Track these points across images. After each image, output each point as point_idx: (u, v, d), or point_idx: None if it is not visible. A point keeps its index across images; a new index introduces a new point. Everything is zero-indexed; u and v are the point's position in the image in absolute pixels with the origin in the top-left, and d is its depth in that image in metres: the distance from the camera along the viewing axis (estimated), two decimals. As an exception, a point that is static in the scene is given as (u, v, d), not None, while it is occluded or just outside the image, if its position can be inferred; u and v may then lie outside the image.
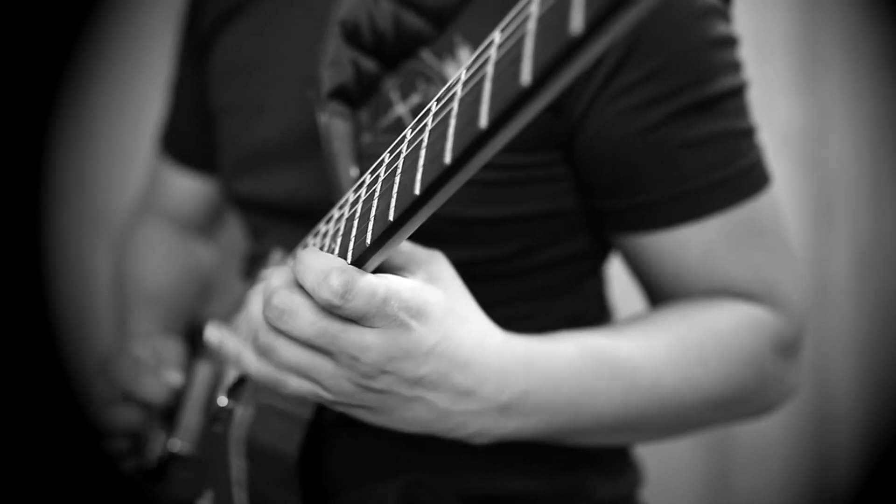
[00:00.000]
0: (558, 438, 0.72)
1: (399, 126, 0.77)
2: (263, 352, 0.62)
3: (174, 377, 0.92)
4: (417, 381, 0.61)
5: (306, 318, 0.59)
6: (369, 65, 0.78)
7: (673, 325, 0.76)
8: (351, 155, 0.76)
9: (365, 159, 0.76)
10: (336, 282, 0.56)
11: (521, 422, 0.67)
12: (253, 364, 0.65)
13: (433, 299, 0.61)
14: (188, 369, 0.97)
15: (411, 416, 0.64)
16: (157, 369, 0.93)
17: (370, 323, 0.58)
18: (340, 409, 0.64)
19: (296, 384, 0.63)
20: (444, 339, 0.61)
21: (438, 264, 0.64)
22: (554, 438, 0.72)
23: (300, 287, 0.60)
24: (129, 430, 0.94)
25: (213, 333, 0.70)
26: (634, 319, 0.79)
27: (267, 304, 0.60)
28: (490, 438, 0.67)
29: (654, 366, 0.72)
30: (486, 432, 0.66)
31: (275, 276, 0.62)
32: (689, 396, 0.74)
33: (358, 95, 0.78)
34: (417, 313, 0.59)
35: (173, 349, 0.97)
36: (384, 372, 0.60)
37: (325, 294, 0.57)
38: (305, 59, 0.83)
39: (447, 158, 0.47)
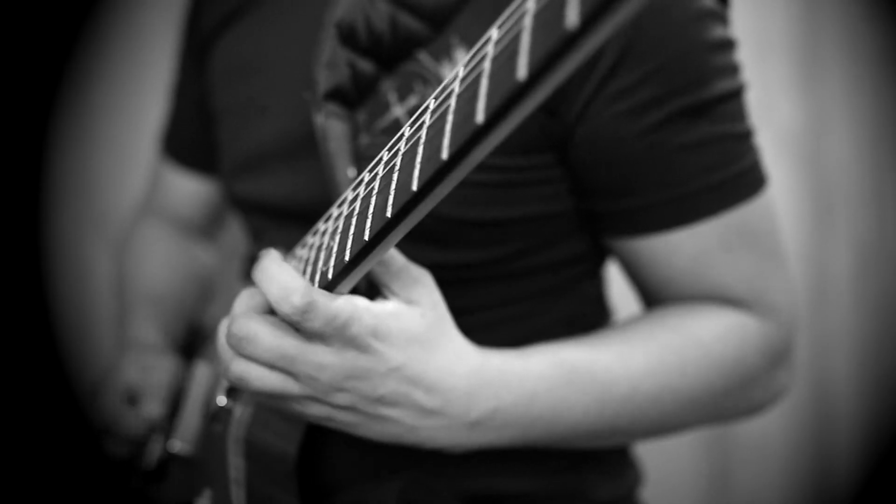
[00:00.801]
0: (535, 445, 0.74)
1: (397, 128, 0.77)
2: (237, 380, 0.65)
3: (153, 409, 0.94)
4: (378, 400, 0.65)
5: (264, 344, 0.63)
6: (366, 66, 0.78)
7: (653, 332, 0.77)
8: (348, 156, 0.76)
9: (363, 160, 0.76)
10: (298, 301, 0.60)
11: (493, 436, 0.69)
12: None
13: (398, 325, 0.64)
14: (187, 373, 0.97)
15: (379, 430, 0.67)
16: (140, 400, 0.95)
17: (329, 342, 0.62)
18: (317, 423, 0.68)
19: (275, 399, 0.67)
20: (406, 364, 0.64)
21: (422, 288, 0.66)
22: (530, 445, 0.73)
23: (258, 313, 0.65)
24: (123, 458, 0.97)
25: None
26: (616, 328, 0.80)
27: (228, 332, 0.64)
28: (461, 450, 0.70)
29: (630, 375, 0.73)
30: (458, 445, 0.69)
31: (237, 304, 0.66)
32: (669, 404, 0.75)
33: (355, 97, 0.78)
34: (382, 336, 0.63)
35: (163, 370, 0.98)
36: (341, 390, 0.64)
37: (286, 309, 0.61)
38: (303, 60, 0.83)
39: (445, 154, 0.47)
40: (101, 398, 0.98)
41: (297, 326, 0.62)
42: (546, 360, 0.71)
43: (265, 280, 0.63)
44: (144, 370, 0.97)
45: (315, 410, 0.66)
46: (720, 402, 0.78)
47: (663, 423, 0.77)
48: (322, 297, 0.61)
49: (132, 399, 0.96)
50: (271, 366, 0.64)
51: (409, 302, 0.66)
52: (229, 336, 0.64)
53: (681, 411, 0.76)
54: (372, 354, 0.63)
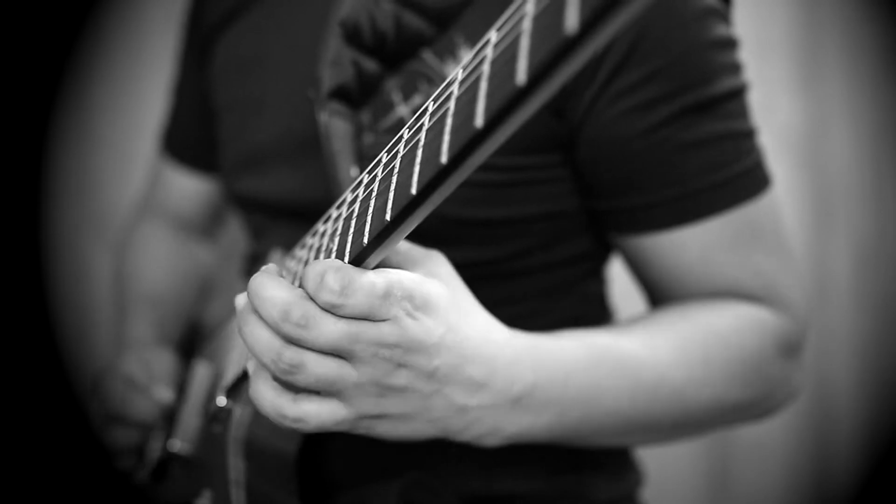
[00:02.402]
0: (568, 438, 0.71)
1: (401, 127, 0.76)
2: (290, 370, 0.59)
3: (164, 394, 0.92)
4: (432, 374, 0.61)
5: (328, 323, 0.58)
6: (370, 65, 0.78)
7: (675, 324, 0.76)
8: (352, 155, 0.76)
9: (366, 160, 0.76)
10: (332, 280, 0.56)
11: (532, 418, 0.66)
12: (269, 401, 0.62)
13: (435, 291, 0.60)
14: (187, 370, 0.97)
15: (431, 416, 0.63)
16: (148, 387, 0.93)
17: (377, 318, 0.58)
18: (363, 428, 0.63)
19: (316, 414, 0.61)
20: (450, 332, 0.61)
21: (436, 262, 0.64)
22: (564, 438, 0.71)
23: (310, 298, 0.59)
24: (129, 449, 0.95)
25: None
26: (636, 320, 0.79)
27: (285, 318, 0.58)
28: (501, 438, 0.67)
29: (658, 365, 0.72)
30: (499, 430, 0.66)
31: (273, 292, 0.59)
32: (694, 395, 0.74)
33: (359, 96, 0.78)
34: (422, 304, 0.59)
35: (165, 361, 0.97)
36: (401, 365, 0.60)
37: (325, 295, 0.56)
38: (306, 58, 0.83)
39: (443, 157, 0.47)
40: (106, 386, 0.96)
41: (340, 313, 0.57)
42: (577, 342, 0.70)
43: (305, 280, 0.58)
44: (146, 363, 0.97)
45: (367, 402, 0.61)
46: (741, 397, 0.77)
47: (687, 419, 0.75)
48: (355, 270, 0.57)
49: (136, 388, 0.94)
50: (334, 349, 0.59)
51: (428, 275, 0.62)
52: (289, 323, 0.58)
53: (705, 403, 0.75)
54: (420, 323, 0.59)
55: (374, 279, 0.57)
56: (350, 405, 0.61)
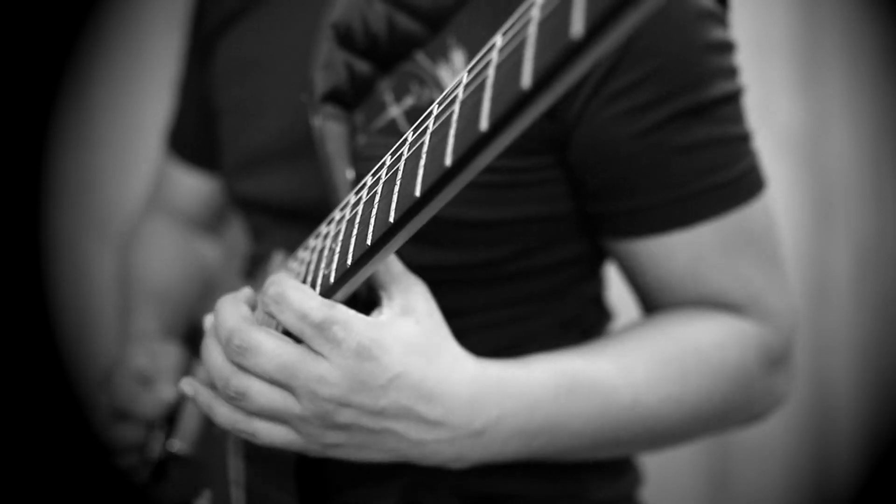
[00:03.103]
0: (540, 458, 0.73)
1: (393, 128, 0.77)
2: (236, 396, 0.63)
3: (168, 392, 0.93)
4: (380, 413, 0.63)
5: (268, 352, 0.61)
6: (363, 67, 0.78)
7: (653, 340, 0.76)
8: (347, 157, 0.76)
9: (360, 161, 0.76)
10: (273, 290, 0.61)
11: (497, 448, 0.68)
12: (225, 415, 0.66)
13: (394, 333, 0.63)
14: (188, 369, 0.97)
15: (383, 447, 0.65)
16: (154, 383, 0.94)
17: (310, 344, 0.61)
18: (316, 453, 0.66)
19: (267, 433, 0.65)
20: (404, 374, 0.63)
21: (417, 296, 0.66)
22: (536, 458, 0.72)
23: (254, 324, 0.63)
24: (134, 446, 0.95)
25: (187, 386, 0.71)
26: (614, 337, 0.79)
27: (228, 342, 0.63)
28: (468, 464, 0.68)
29: (632, 385, 0.73)
30: (463, 458, 0.67)
31: (225, 316, 0.64)
32: (671, 414, 0.74)
33: (352, 98, 0.78)
34: (377, 346, 0.62)
35: (171, 354, 0.98)
36: (344, 405, 0.62)
37: (266, 300, 0.62)
38: (302, 61, 0.83)
39: (448, 161, 0.47)
40: (113, 382, 0.96)
41: (271, 323, 0.63)
42: (546, 368, 0.70)
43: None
44: (153, 355, 0.97)
45: (313, 434, 0.64)
46: (721, 411, 0.78)
47: (665, 434, 0.77)
48: (306, 297, 0.62)
49: (144, 382, 0.95)
50: (273, 380, 0.62)
51: (404, 308, 0.65)
52: (230, 347, 0.63)
53: (682, 421, 0.76)
54: (367, 364, 0.61)
55: (313, 305, 0.61)
56: (298, 434, 0.64)
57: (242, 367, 0.63)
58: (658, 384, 0.73)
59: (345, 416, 0.63)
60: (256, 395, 0.63)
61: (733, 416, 0.80)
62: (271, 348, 0.62)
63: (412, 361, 0.63)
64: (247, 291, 0.69)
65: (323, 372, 0.61)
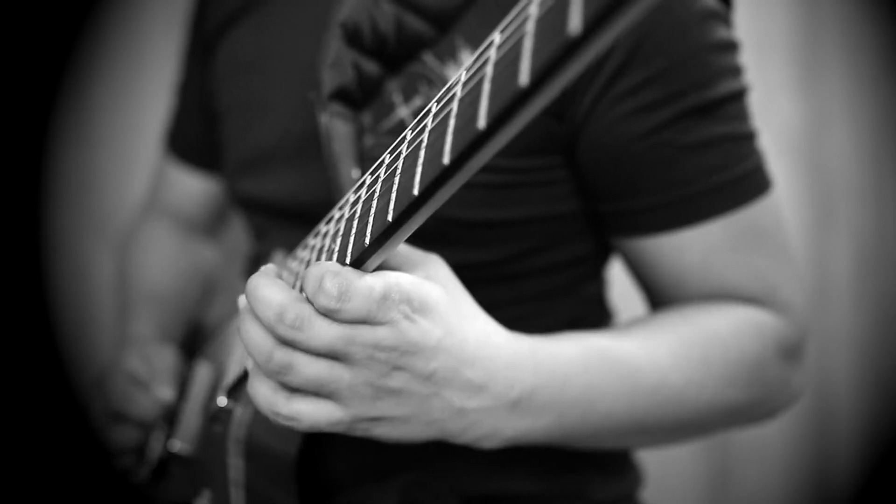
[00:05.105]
0: (568, 440, 0.71)
1: (402, 128, 0.76)
2: (280, 371, 0.60)
3: (165, 393, 0.92)
4: (430, 377, 0.61)
5: (322, 325, 0.58)
6: (371, 67, 0.78)
7: (675, 327, 0.76)
8: (353, 156, 0.76)
9: (367, 161, 0.76)
10: (330, 285, 0.56)
11: (531, 421, 0.67)
12: (264, 396, 0.62)
13: (434, 293, 0.60)
14: (188, 369, 0.97)
15: (428, 417, 0.63)
16: (150, 385, 0.93)
17: (375, 321, 0.58)
18: (360, 430, 0.63)
19: (309, 414, 0.61)
20: (449, 334, 0.61)
21: (435, 265, 0.64)
22: (563, 440, 0.71)
23: (307, 300, 0.59)
24: (130, 447, 0.95)
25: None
26: (636, 322, 0.79)
27: (280, 320, 0.58)
28: (500, 441, 0.67)
29: (657, 366, 0.72)
30: (497, 432, 0.66)
31: (272, 293, 0.60)
32: (693, 398, 0.74)
33: (359, 97, 0.78)
34: (420, 307, 0.59)
35: (166, 356, 0.97)
36: (398, 368, 0.60)
37: (323, 300, 0.56)
38: (307, 60, 0.83)
39: (446, 158, 0.47)
40: (107, 384, 0.96)
41: (337, 318, 0.58)
42: (576, 344, 0.70)
43: (305, 283, 0.58)
44: (147, 359, 0.97)
45: (362, 404, 0.61)
46: (742, 402, 0.77)
47: (687, 422, 0.76)
48: (353, 273, 0.57)
49: (138, 385, 0.94)
50: (327, 350, 0.58)
51: (427, 278, 0.63)
52: (282, 324, 0.58)
53: (705, 406, 0.75)
54: (418, 325, 0.59)
55: (371, 283, 0.57)
56: (345, 407, 0.61)
57: (291, 343, 0.59)
58: (682, 367, 0.73)
59: (397, 380, 0.60)
60: (303, 366, 0.59)
61: (752, 407, 0.79)
62: (323, 322, 0.58)
63: (454, 321, 0.61)
64: (272, 267, 0.65)
65: (380, 335, 0.58)
